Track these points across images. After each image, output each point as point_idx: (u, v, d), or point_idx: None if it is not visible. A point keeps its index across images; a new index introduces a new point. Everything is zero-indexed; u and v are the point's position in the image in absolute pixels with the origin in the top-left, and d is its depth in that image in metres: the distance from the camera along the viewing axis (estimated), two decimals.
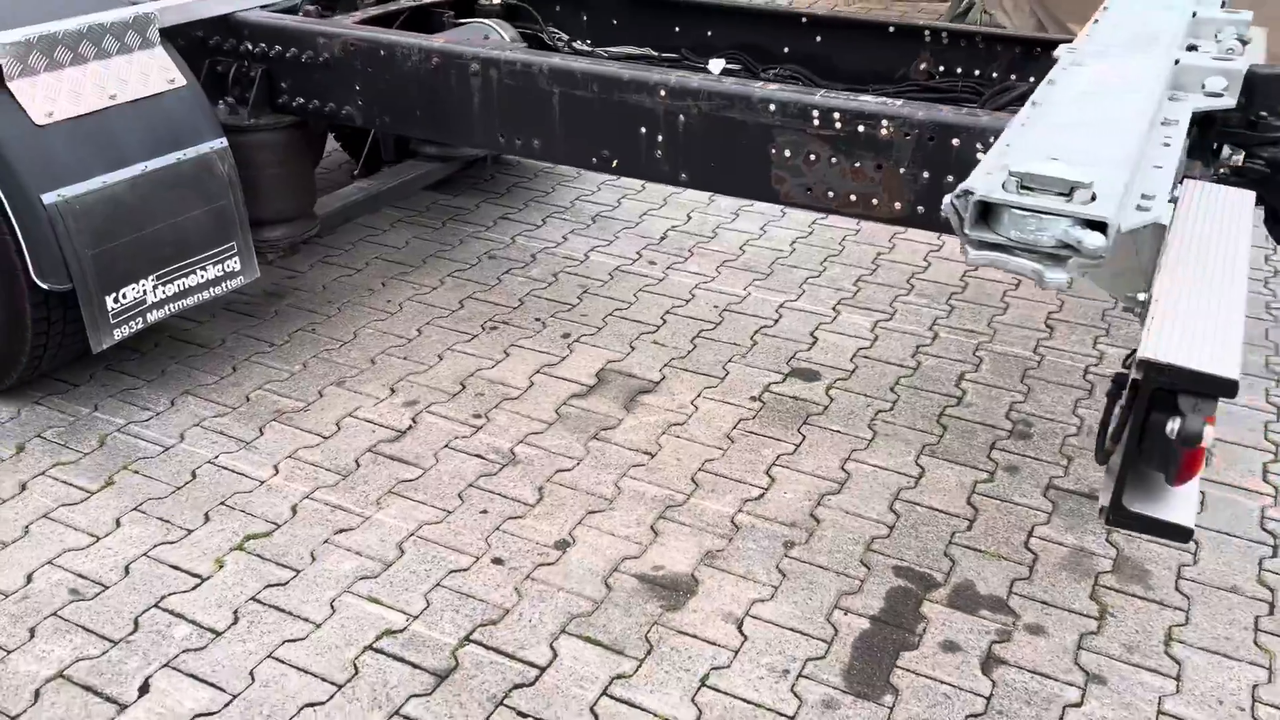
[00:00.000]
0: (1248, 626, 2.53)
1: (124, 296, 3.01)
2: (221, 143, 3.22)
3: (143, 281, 3.05)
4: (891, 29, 3.60)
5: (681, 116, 2.84)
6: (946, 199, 1.70)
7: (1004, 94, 3.26)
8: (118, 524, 2.79)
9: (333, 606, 2.54)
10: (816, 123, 2.67)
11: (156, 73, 3.13)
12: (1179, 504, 1.79)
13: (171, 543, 2.73)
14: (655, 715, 2.27)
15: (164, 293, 3.11)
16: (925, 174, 2.60)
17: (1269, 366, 3.60)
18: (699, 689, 2.33)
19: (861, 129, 2.63)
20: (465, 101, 3.12)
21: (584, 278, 4.15)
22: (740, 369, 3.55)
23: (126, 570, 2.63)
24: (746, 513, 2.88)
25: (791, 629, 2.50)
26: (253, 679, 2.33)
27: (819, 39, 3.71)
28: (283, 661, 2.38)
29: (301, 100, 3.42)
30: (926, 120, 2.55)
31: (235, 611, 2.52)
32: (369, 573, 2.64)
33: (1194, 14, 2.91)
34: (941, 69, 3.56)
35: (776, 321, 3.86)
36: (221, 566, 2.66)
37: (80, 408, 3.27)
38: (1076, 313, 3.95)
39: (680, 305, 3.96)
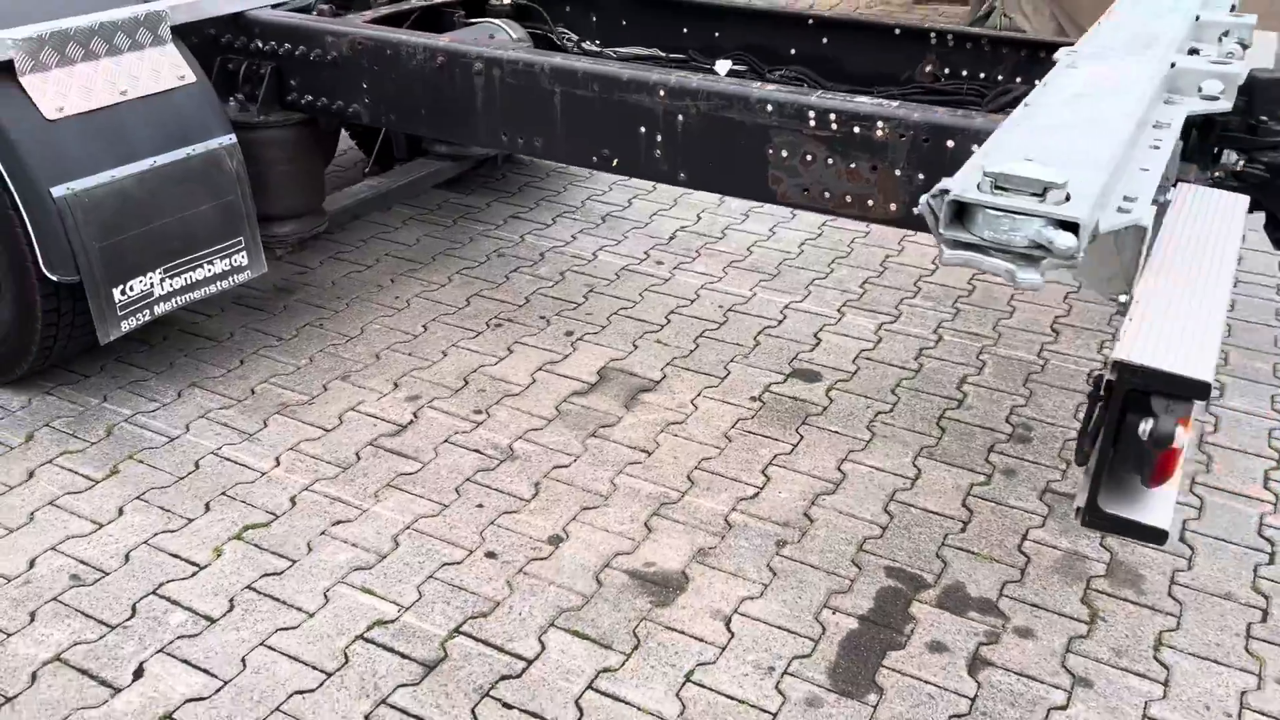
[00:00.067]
0: (1239, 633, 2.52)
1: (131, 289, 3.06)
2: (230, 139, 3.27)
3: (150, 274, 3.10)
4: (898, 31, 3.60)
5: (680, 116, 2.86)
6: (923, 199, 1.71)
7: (1003, 96, 3.26)
8: (120, 512, 2.84)
9: (326, 596, 2.57)
10: (813, 123, 2.68)
11: (167, 69, 3.18)
12: (1155, 506, 1.79)
13: (172, 531, 2.77)
14: (639, 709, 2.29)
15: (171, 286, 3.16)
16: (920, 175, 2.61)
17: (1277, 374, 3.57)
18: (684, 684, 2.35)
19: (857, 130, 2.64)
20: (469, 100, 3.15)
21: (591, 277, 4.17)
22: (741, 369, 3.56)
23: (127, 557, 2.68)
24: (740, 511, 2.89)
25: (779, 627, 2.51)
26: (244, 666, 2.37)
27: (825, 40, 3.71)
28: (274, 649, 2.42)
29: (310, 98, 3.47)
30: (921, 122, 2.56)
31: (231, 599, 2.56)
32: (364, 564, 2.67)
33: (1197, 17, 2.90)
34: (947, 71, 3.56)
35: (780, 322, 3.87)
36: (220, 555, 2.70)
37: (89, 398, 3.32)
38: (1083, 317, 3.94)
39: (685, 305, 3.97)
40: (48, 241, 2.92)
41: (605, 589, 2.61)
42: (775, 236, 4.55)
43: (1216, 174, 2.57)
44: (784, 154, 2.75)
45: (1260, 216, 2.84)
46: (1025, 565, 2.71)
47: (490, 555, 2.71)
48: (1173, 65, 2.47)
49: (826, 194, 2.75)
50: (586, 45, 4.08)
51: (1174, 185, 2.39)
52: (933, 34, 3.55)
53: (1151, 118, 2.24)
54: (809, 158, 2.73)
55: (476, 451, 3.11)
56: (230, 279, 3.32)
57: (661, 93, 2.85)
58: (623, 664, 2.40)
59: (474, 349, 3.65)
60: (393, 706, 2.28)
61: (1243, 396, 3.43)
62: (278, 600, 2.56)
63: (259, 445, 3.12)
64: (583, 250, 4.39)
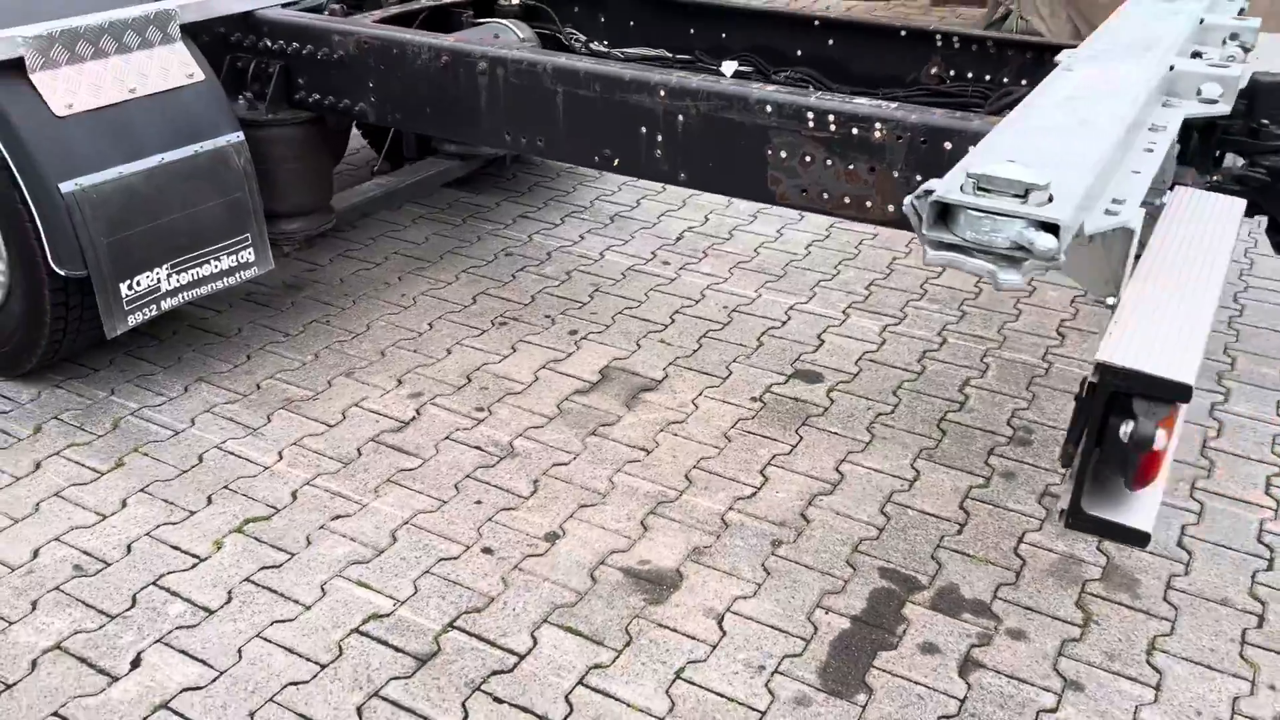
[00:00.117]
0: (1234, 639, 2.50)
1: (138, 284, 3.10)
2: (238, 136, 3.30)
3: (157, 270, 3.14)
4: (903, 33, 3.60)
5: (680, 117, 2.87)
6: (907, 199, 1.72)
7: (1005, 99, 3.25)
8: (124, 504, 2.88)
9: (323, 589, 2.60)
10: (811, 125, 2.69)
11: (176, 67, 3.22)
12: (1139, 509, 1.79)
13: (174, 524, 2.81)
14: (629, 705, 2.30)
15: (178, 281, 3.20)
16: (918, 177, 2.60)
17: None
18: (674, 681, 2.36)
19: (855, 131, 2.64)
20: (473, 99, 3.18)
21: (597, 276, 4.19)
22: (744, 369, 3.57)
23: (129, 549, 2.72)
24: (737, 511, 2.90)
25: (771, 626, 2.51)
26: (240, 656, 2.40)
27: (831, 42, 3.72)
28: (270, 641, 2.44)
29: (318, 96, 3.50)
30: (919, 123, 2.56)
31: (229, 591, 2.59)
32: (361, 558, 2.70)
33: (1202, 20, 2.89)
34: (952, 74, 3.56)
35: (784, 323, 3.87)
36: (220, 548, 2.73)
37: (98, 391, 3.37)
38: (1090, 321, 3.92)
39: (690, 305, 3.98)
40: (56, 237, 2.96)
41: (599, 586, 2.63)
42: (783, 238, 4.55)
43: (1216, 177, 2.56)
44: (783, 155, 2.76)
45: (1261, 219, 2.83)
46: (1020, 568, 2.71)
47: (487, 551, 2.73)
48: (1171, 68, 2.46)
49: (825, 195, 2.75)
50: (595, 46, 4.09)
51: (1170, 188, 2.39)
52: (938, 36, 3.55)
53: (1146, 121, 2.24)
54: (808, 159, 2.73)
55: (477, 448, 3.14)
56: (237, 275, 3.36)
57: (662, 93, 2.87)
58: (614, 660, 2.41)
59: (478, 347, 3.68)
60: (385, 699, 2.30)
61: (1248, 402, 3.41)
62: (275, 593, 2.59)
63: (262, 440, 3.15)
64: (590, 250, 4.41)
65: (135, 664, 2.37)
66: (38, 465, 3.03)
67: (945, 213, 1.72)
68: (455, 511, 2.87)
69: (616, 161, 3.03)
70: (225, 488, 2.95)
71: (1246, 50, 2.70)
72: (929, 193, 1.70)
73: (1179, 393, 1.62)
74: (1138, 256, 2.01)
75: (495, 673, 2.37)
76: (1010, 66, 3.46)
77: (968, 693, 2.35)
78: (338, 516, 2.84)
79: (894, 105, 2.63)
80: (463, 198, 4.90)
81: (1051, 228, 1.61)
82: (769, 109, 2.73)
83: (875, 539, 2.80)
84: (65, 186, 2.92)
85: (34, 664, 2.37)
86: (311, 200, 3.72)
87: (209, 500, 2.90)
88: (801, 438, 3.22)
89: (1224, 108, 2.41)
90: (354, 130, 4.86)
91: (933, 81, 3.59)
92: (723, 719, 2.27)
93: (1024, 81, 3.44)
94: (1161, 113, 2.34)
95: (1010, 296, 4.07)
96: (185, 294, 3.23)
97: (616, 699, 2.32)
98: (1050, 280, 4.12)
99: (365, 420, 3.26)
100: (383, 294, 4.03)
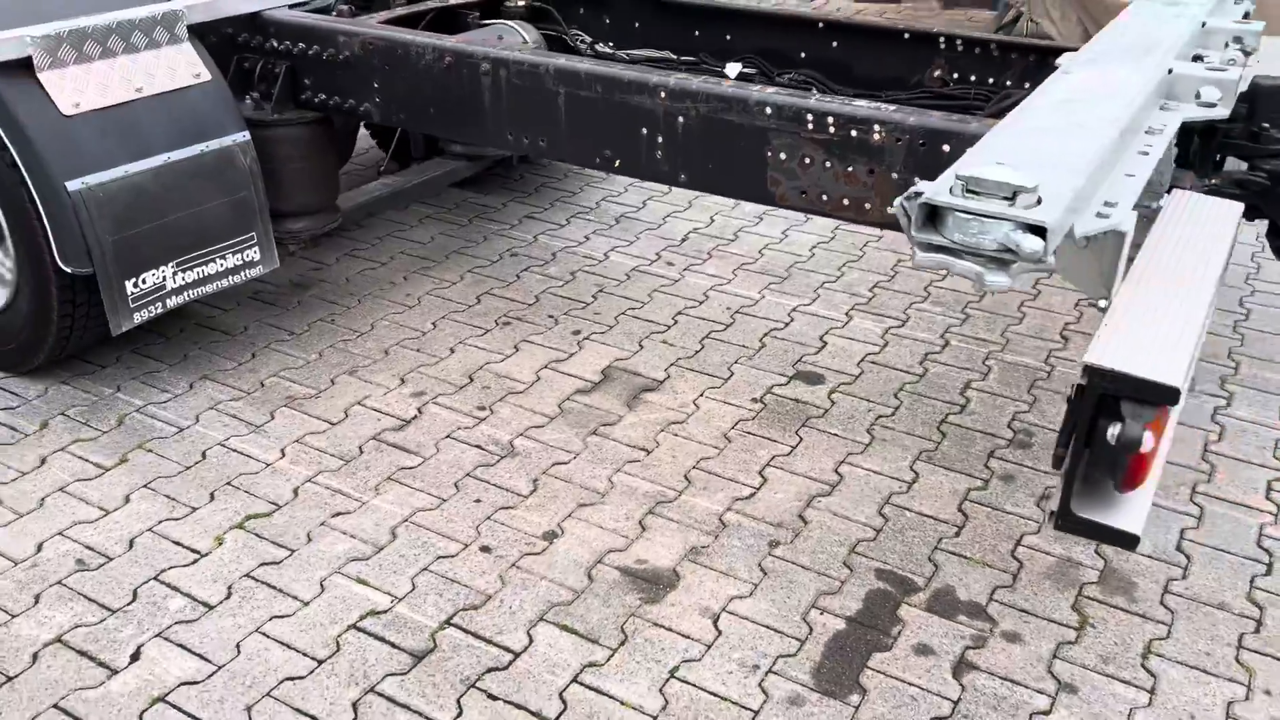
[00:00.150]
0: (1231, 643, 2.50)
1: (144, 282, 3.12)
2: (244, 136, 3.33)
3: (162, 268, 3.16)
4: (907, 35, 3.61)
5: (681, 118, 2.88)
6: (896, 201, 1.73)
7: (1005, 101, 3.25)
8: (127, 500, 2.90)
9: (322, 586, 2.62)
10: (810, 127, 2.69)
11: (183, 67, 3.25)
12: (1128, 511, 1.79)
13: (176, 519, 2.83)
14: (622, 703, 2.31)
15: (183, 279, 3.23)
16: (916, 179, 2.59)
17: None
18: (668, 680, 2.37)
19: (854, 134, 2.64)
20: (476, 100, 3.20)
21: (601, 277, 4.20)
22: (745, 370, 3.58)
23: (131, 544, 2.74)
24: (735, 511, 2.91)
25: (766, 626, 2.52)
26: (238, 651, 2.42)
27: (835, 44, 3.72)
28: (268, 636, 2.46)
29: (324, 96, 3.53)
30: (917, 126, 2.56)
31: (229, 587, 2.61)
32: (360, 555, 2.72)
33: (1203, 24, 2.88)
34: (956, 76, 3.56)
35: (787, 325, 3.88)
36: (221, 544, 2.75)
37: (103, 388, 3.40)
38: (1094, 324, 3.90)
39: (693, 306, 3.99)
40: (63, 234, 2.99)
41: (596, 585, 2.64)
42: (787, 240, 4.56)
43: (1215, 181, 2.56)
44: (782, 156, 2.76)
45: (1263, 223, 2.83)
46: (1018, 570, 2.71)
47: (485, 549, 2.75)
48: (1170, 71, 2.46)
49: (824, 197, 2.76)
50: (600, 47, 4.11)
51: (1169, 191, 2.39)
52: (941, 39, 3.55)
53: (1143, 124, 2.24)
54: (807, 160, 2.74)
55: (478, 447, 3.15)
56: (242, 273, 3.38)
57: (662, 94, 2.88)
58: (609, 659, 2.42)
59: (481, 346, 3.69)
60: (380, 694, 2.32)
61: (1250, 406, 3.40)
62: (275, 589, 2.61)
63: (265, 437, 3.18)
64: (594, 251, 4.43)
65: (135, 657, 2.40)
66: (43, 460, 3.06)
67: (934, 215, 1.72)
68: (455, 510, 2.89)
69: (617, 162, 3.04)
70: (227, 484, 2.97)
71: (1248, 54, 2.69)
72: (918, 194, 1.71)
73: (1166, 395, 1.62)
74: (1131, 259, 2.01)
75: (490, 670, 2.39)
76: (1013, 69, 3.46)
77: (961, 694, 2.35)
78: (338, 514, 2.86)
79: (892, 108, 2.63)
80: (470, 198, 4.93)
81: (1039, 230, 1.62)
82: (768, 111, 2.74)
83: (873, 540, 2.81)
84: (72, 185, 2.95)
85: (35, 657, 2.39)
86: (317, 200, 3.74)
87: (211, 496, 2.92)
88: (801, 439, 3.22)
89: (1222, 111, 2.41)
90: (362, 130, 4.89)
91: (936, 84, 3.59)
92: (715, 718, 2.28)
93: (1027, 84, 3.43)
94: (1159, 116, 2.34)
95: (1015, 299, 4.07)
96: (190, 292, 3.26)
97: (610, 697, 2.33)
98: (1052, 283, 4.11)
99: (367, 418, 3.28)
100: (388, 293, 4.05)
